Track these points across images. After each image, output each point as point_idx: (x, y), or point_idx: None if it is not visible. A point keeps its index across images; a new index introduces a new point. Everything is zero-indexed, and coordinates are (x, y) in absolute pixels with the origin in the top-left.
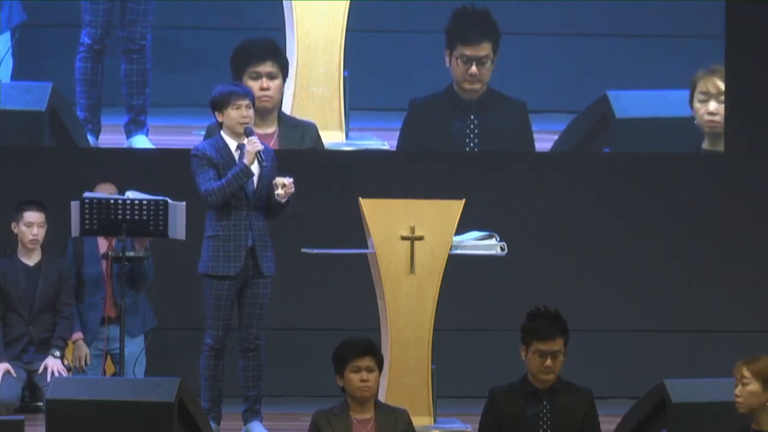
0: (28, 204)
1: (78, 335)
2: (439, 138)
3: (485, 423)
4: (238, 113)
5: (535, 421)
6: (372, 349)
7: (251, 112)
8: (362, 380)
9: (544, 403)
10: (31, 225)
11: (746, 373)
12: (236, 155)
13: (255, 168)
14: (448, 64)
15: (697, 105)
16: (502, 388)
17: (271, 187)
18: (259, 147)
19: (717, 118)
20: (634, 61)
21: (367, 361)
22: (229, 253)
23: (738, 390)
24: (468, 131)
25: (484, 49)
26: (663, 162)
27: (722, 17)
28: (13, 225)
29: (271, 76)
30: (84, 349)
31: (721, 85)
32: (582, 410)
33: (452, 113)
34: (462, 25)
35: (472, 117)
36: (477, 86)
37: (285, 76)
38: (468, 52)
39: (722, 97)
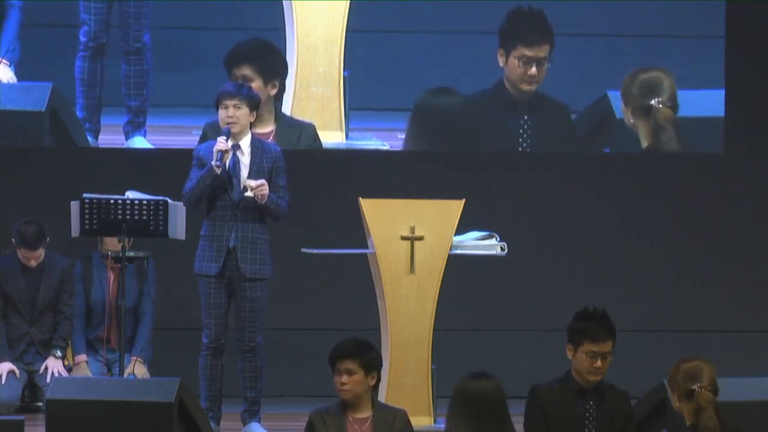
0: (23, 241)
1: (82, 357)
2: (492, 136)
3: (534, 417)
4: (224, 113)
5: (581, 420)
6: (354, 352)
7: (240, 112)
8: (341, 383)
9: (591, 402)
10: (29, 259)
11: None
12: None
13: (244, 168)
14: (502, 65)
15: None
16: (546, 385)
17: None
18: (222, 147)
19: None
20: (634, 61)
21: (346, 364)
22: (212, 253)
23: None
24: (522, 131)
25: (544, 50)
26: (663, 162)
27: (722, 17)
28: (12, 241)
29: (244, 80)
30: (87, 373)
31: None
32: (624, 412)
33: (504, 112)
34: (523, 26)
35: (525, 117)
36: (534, 87)
37: (269, 77)
38: (529, 53)
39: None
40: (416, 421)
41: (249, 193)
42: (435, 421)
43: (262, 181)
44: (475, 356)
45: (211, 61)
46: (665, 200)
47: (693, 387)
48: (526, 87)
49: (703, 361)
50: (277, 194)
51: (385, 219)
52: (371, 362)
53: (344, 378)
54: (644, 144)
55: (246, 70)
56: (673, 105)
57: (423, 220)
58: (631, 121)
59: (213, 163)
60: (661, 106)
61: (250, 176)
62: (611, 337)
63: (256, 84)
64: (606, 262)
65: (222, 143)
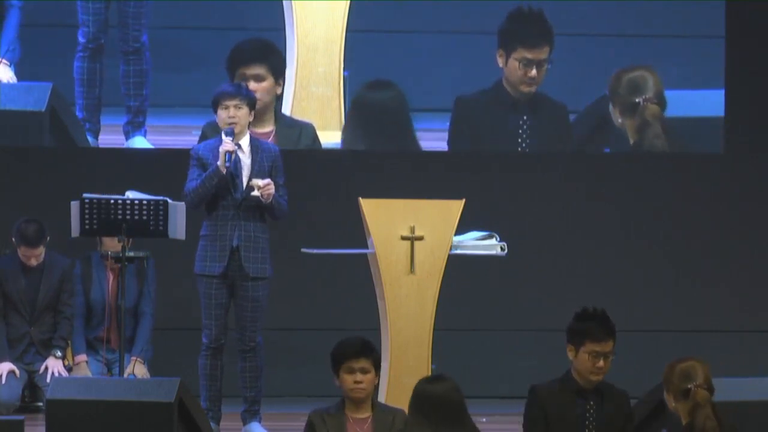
0: (23, 238)
1: (82, 357)
2: (492, 136)
3: (534, 417)
4: (225, 113)
5: (581, 421)
6: (367, 351)
7: (241, 112)
8: (356, 381)
9: (591, 402)
10: (29, 258)
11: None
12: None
13: (245, 168)
14: (502, 65)
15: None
16: (546, 385)
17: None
18: (229, 148)
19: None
20: (634, 61)
21: (361, 363)
22: (215, 253)
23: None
24: (521, 131)
25: (545, 52)
26: (662, 162)
27: (722, 17)
28: (12, 241)
29: (257, 79)
30: (87, 373)
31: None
32: (623, 412)
33: (504, 112)
34: (523, 28)
35: (525, 117)
36: (533, 88)
37: (277, 75)
38: (530, 55)
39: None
40: None
41: (256, 192)
42: None
43: (269, 180)
44: (475, 356)
45: (210, 61)
46: (665, 200)
47: (688, 386)
48: (525, 88)
49: (698, 361)
50: (278, 193)
51: (385, 219)
52: (379, 360)
53: (359, 377)
54: (631, 141)
55: (259, 69)
56: (660, 101)
57: (423, 220)
58: (620, 120)
59: (219, 163)
60: (647, 103)
61: (252, 176)
62: (612, 337)
63: (269, 82)
64: (606, 262)
65: (229, 144)
